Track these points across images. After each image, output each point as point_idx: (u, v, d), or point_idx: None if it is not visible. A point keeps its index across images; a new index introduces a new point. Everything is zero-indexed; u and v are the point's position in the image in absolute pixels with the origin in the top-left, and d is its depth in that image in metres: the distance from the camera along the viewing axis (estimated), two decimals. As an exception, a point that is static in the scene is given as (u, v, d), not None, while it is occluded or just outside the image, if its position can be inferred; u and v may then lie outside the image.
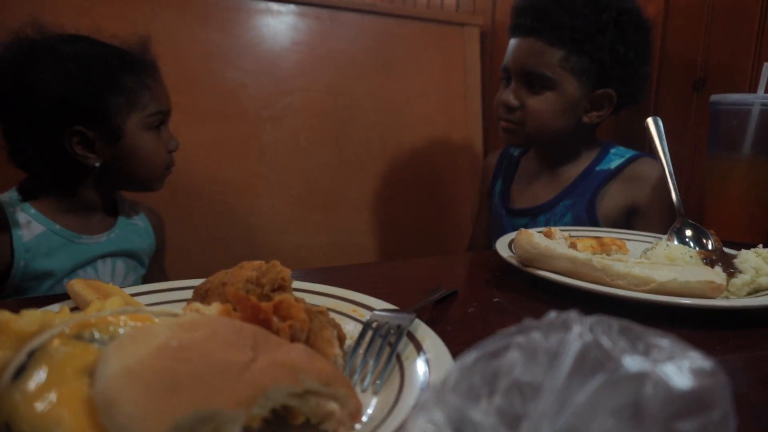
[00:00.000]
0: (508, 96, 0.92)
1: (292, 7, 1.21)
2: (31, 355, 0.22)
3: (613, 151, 0.97)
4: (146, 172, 0.83)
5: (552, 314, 0.22)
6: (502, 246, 0.59)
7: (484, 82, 1.45)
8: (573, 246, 0.59)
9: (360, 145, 1.29)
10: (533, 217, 1.02)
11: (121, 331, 0.25)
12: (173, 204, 1.05)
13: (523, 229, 0.53)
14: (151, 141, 0.82)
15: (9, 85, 0.74)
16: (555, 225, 0.98)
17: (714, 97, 0.77)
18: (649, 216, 0.91)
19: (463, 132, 1.41)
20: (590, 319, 0.22)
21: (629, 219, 0.94)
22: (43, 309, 0.30)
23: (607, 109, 0.93)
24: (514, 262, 0.53)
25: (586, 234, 0.69)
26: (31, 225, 0.77)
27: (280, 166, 1.21)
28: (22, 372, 0.22)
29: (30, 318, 0.25)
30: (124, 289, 0.42)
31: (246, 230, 1.19)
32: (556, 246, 0.50)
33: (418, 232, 1.38)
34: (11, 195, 0.80)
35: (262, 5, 1.19)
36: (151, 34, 1.08)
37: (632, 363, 0.20)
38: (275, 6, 1.20)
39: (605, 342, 0.21)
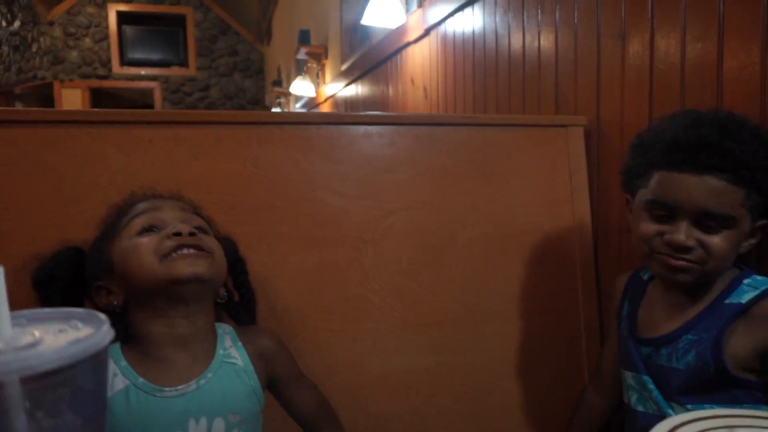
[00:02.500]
0: (681, 237, 0.82)
1: (390, 128, 1.22)
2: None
3: (747, 281, 0.85)
4: (133, 269, 0.74)
5: None
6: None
7: (592, 184, 1.36)
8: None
9: (462, 260, 1.24)
10: (656, 348, 0.92)
11: None
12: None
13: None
14: (134, 242, 0.76)
15: None
16: (678, 361, 0.88)
17: None
18: None
19: (571, 237, 1.32)
20: None
21: (763, 364, 0.81)
22: None
23: (758, 237, 0.84)
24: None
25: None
26: (116, 379, 0.73)
27: (383, 287, 1.19)
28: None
29: None
30: None
31: (351, 357, 1.16)
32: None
33: (527, 349, 1.28)
34: (114, 346, 0.76)
35: (362, 129, 1.21)
36: (259, 168, 1.13)
37: None
38: (374, 129, 1.21)
39: None
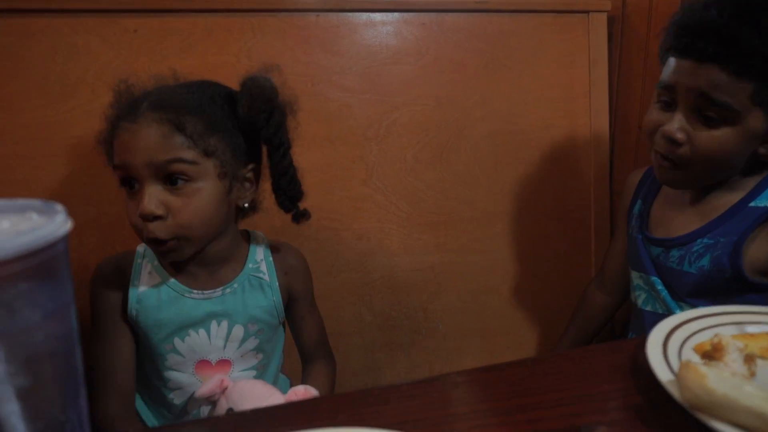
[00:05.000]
0: (673, 128, 0.76)
1: (395, 15, 1.12)
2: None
3: None
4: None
5: None
6: (655, 353, 0.49)
7: (612, 77, 1.27)
8: (750, 359, 0.48)
9: (471, 159, 1.19)
10: (666, 249, 0.88)
11: None
12: (282, 233, 1.04)
13: (690, 363, 0.42)
14: (125, 201, 0.73)
15: None
16: (690, 265, 0.84)
17: None
18: None
19: (587, 136, 1.26)
20: None
21: None
22: None
23: None
24: (675, 395, 0.44)
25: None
26: (150, 276, 0.78)
27: (387, 186, 1.16)
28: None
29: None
30: None
31: (355, 256, 1.16)
32: (737, 394, 0.39)
33: (536, 249, 1.27)
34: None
35: (364, 17, 1.11)
36: (254, 61, 1.06)
37: None
38: (378, 16, 1.12)
39: None
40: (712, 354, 0.47)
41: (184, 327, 0.78)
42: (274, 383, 0.89)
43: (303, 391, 0.73)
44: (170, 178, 0.69)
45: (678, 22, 0.77)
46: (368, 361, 1.21)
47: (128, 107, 0.72)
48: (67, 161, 0.99)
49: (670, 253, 0.88)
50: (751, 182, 0.81)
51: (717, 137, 0.74)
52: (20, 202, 0.34)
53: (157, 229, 0.69)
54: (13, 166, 0.97)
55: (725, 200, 0.82)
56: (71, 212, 0.33)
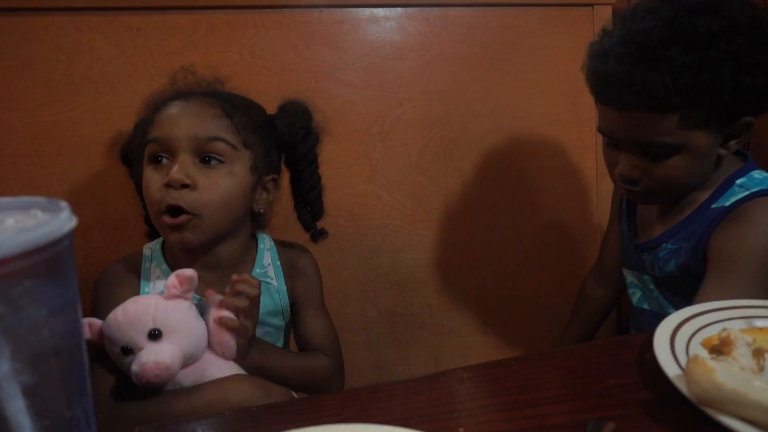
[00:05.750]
0: (625, 170, 0.75)
1: (398, 10, 1.12)
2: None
3: (740, 181, 0.76)
4: (148, 208, 0.74)
5: None
6: (662, 348, 0.48)
7: (618, 70, 1.26)
8: (759, 354, 0.47)
9: (475, 154, 1.19)
10: (640, 253, 0.87)
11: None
12: (286, 232, 1.04)
13: (698, 358, 0.42)
14: (147, 176, 0.72)
15: None
16: (660, 270, 0.83)
17: None
18: (727, 273, 0.71)
19: (592, 130, 1.25)
20: None
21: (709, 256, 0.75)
22: None
23: (746, 134, 0.74)
24: (683, 390, 0.43)
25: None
26: (159, 281, 0.77)
27: (392, 183, 1.16)
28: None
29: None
30: None
31: (360, 252, 1.16)
32: (747, 388, 0.39)
33: (541, 244, 1.26)
34: (156, 247, 0.80)
35: (367, 13, 1.11)
36: (257, 58, 1.06)
37: None
38: (381, 12, 1.11)
39: None
40: (720, 348, 0.47)
41: None
42: None
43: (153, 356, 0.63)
44: (206, 157, 0.71)
45: (589, 71, 0.76)
46: (374, 358, 1.21)
47: (176, 91, 0.77)
48: (72, 159, 0.99)
49: (644, 258, 0.87)
50: (718, 180, 0.78)
51: (670, 166, 0.73)
52: (24, 199, 0.34)
53: (180, 197, 0.69)
54: (18, 165, 0.97)
55: (692, 203, 0.80)
56: (76, 210, 0.33)
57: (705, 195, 0.79)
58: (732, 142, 0.75)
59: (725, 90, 0.67)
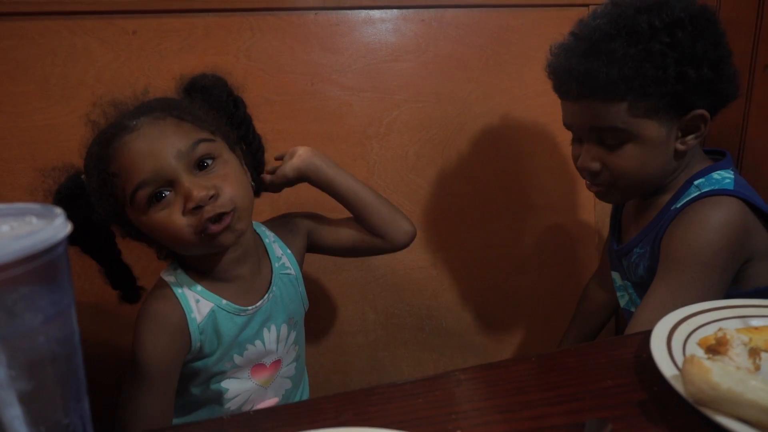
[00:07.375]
0: (585, 161, 0.79)
1: (394, 12, 1.12)
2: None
3: (698, 182, 0.77)
4: (174, 244, 0.70)
5: None
6: (659, 348, 0.49)
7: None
8: (755, 353, 0.47)
9: (472, 155, 1.19)
10: (620, 258, 0.89)
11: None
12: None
13: (694, 358, 0.42)
14: (160, 219, 0.67)
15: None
16: (634, 274, 0.84)
17: None
18: (669, 274, 0.72)
19: (588, 130, 1.25)
20: None
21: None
22: None
23: (703, 128, 0.75)
24: (680, 390, 0.43)
25: None
26: (200, 304, 0.74)
27: (389, 184, 1.16)
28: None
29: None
30: None
31: (357, 254, 1.15)
32: (742, 388, 0.39)
33: (539, 245, 1.26)
34: (174, 269, 0.75)
35: (363, 14, 1.11)
36: (253, 61, 1.06)
37: None
38: (377, 13, 1.11)
39: None
40: (716, 348, 0.47)
41: (241, 343, 0.77)
42: (303, 371, 0.92)
43: None
44: (199, 163, 0.68)
45: (547, 67, 0.81)
46: (372, 360, 1.21)
47: (115, 128, 0.67)
48: (69, 164, 0.99)
49: (622, 263, 0.88)
50: (680, 181, 0.79)
51: (625, 156, 0.76)
52: (19, 206, 0.34)
53: (215, 207, 0.67)
54: (14, 170, 0.97)
55: (657, 205, 0.81)
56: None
57: (668, 197, 0.80)
58: (689, 137, 0.76)
59: (669, 81, 0.70)
